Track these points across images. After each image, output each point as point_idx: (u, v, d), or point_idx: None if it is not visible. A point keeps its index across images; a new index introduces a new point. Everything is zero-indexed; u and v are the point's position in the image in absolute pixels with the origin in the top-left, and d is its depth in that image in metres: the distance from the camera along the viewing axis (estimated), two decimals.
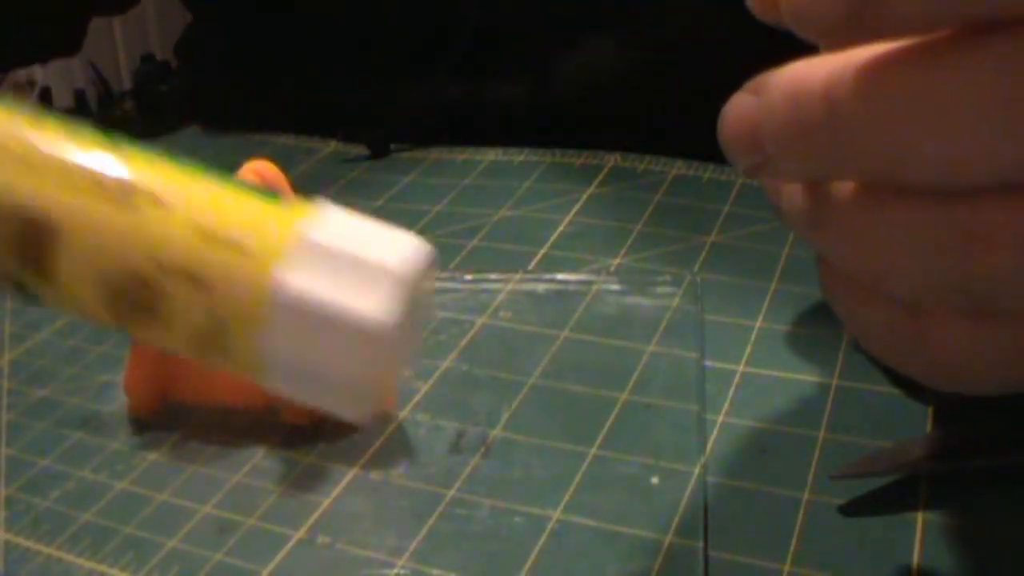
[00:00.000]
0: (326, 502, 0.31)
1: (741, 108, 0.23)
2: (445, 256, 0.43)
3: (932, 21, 0.19)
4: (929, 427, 0.33)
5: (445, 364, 0.36)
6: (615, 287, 0.40)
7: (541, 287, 0.40)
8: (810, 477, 0.31)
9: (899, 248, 0.21)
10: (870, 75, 0.20)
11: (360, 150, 0.54)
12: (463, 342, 0.37)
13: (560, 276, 0.40)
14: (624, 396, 0.34)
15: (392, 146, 0.54)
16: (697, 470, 0.31)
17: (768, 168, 0.22)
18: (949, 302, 0.21)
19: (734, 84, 0.40)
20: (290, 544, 0.29)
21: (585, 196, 0.47)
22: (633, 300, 0.39)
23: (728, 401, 0.33)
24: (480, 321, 0.38)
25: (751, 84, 0.23)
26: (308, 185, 0.51)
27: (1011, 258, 0.19)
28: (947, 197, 0.20)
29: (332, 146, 0.56)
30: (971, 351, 0.21)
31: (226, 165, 0.33)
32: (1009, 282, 0.19)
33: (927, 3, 0.19)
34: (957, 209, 0.20)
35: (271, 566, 0.29)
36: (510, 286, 0.40)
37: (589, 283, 0.40)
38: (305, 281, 0.20)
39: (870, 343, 0.23)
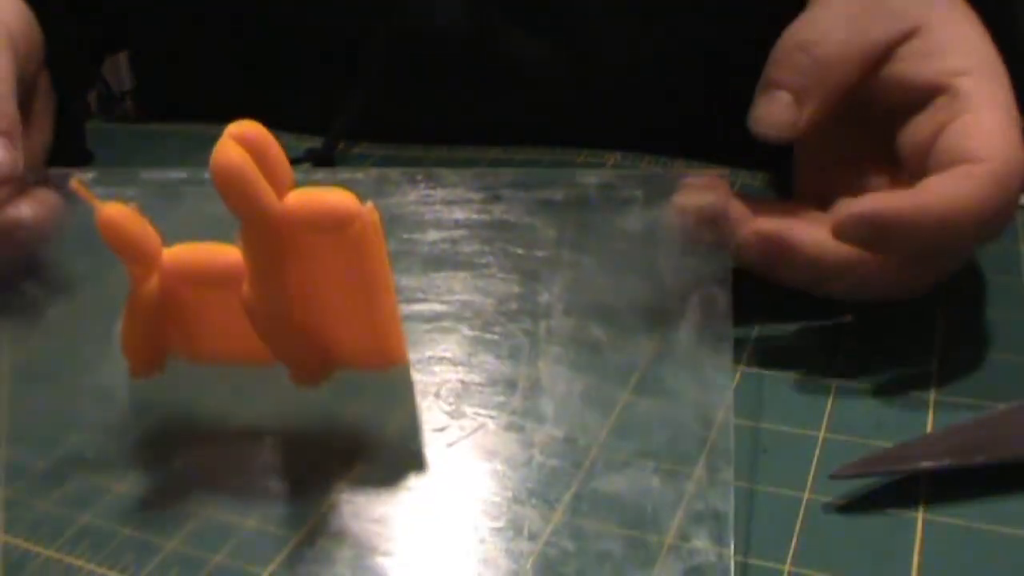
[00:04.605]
0: (326, 503, 0.31)
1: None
2: (444, 256, 0.43)
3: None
4: (929, 427, 0.33)
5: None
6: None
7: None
8: (810, 477, 0.31)
9: None
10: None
11: (361, 149, 0.54)
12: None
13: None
14: (626, 396, 0.34)
15: (395, 145, 0.54)
16: (698, 471, 0.31)
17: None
18: None
19: (733, 85, 0.41)
20: (290, 545, 0.29)
21: None
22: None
23: (728, 401, 0.33)
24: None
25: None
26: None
27: None
28: None
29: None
30: None
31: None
32: None
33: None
34: None
35: (271, 567, 0.29)
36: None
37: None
38: None
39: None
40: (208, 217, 0.32)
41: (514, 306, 0.36)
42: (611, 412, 0.33)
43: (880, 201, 0.33)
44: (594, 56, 0.53)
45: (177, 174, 0.38)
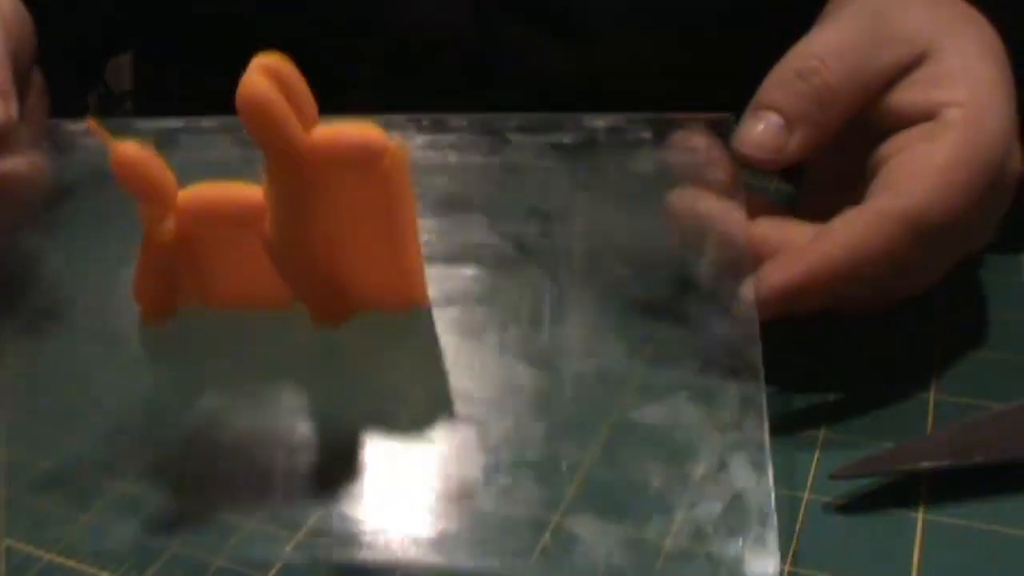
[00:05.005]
0: (328, 503, 0.31)
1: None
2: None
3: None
4: (929, 427, 0.33)
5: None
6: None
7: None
8: (810, 477, 0.31)
9: None
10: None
11: None
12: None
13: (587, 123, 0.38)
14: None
15: None
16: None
17: None
18: None
19: (732, 82, 0.40)
20: (290, 546, 0.29)
21: None
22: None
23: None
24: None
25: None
26: None
27: None
28: None
29: None
30: None
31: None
32: None
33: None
34: None
35: (272, 569, 0.29)
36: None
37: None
38: None
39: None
40: (207, 164, 0.32)
41: (533, 246, 0.35)
42: (639, 345, 0.33)
43: (785, 269, 0.32)
44: (599, 56, 0.53)
45: (174, 123, 0.38)
